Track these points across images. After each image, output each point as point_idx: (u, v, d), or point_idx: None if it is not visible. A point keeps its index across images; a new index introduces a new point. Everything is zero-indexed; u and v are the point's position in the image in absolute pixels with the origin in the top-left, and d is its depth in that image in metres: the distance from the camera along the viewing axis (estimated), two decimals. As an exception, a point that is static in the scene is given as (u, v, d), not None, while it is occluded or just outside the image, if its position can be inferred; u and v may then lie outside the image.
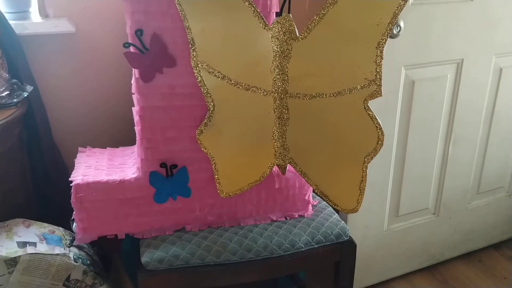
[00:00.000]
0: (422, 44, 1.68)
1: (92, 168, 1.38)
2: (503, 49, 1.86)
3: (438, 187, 1.98)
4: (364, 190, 1.28)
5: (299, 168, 1.35)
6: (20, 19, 1.57)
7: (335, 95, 1.23)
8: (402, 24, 1.56)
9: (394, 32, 1.56)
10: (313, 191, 1.41)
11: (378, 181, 1.82)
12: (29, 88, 1.49)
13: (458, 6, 1.69)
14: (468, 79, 1.82)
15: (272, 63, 1.24)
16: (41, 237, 1.35)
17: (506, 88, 1.94)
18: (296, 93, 1.27)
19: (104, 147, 1.55)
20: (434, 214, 2.04)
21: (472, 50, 1.79)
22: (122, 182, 1.31)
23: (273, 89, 1.27)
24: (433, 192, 1.99)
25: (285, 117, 1.30)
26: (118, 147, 1.55)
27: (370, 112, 1.21)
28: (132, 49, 1.22)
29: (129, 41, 1.22)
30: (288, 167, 1.38)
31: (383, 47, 1.14)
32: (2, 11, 1.48)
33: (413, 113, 1.77)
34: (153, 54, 1.23)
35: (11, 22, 1.51)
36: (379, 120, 1.20)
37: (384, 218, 1.91)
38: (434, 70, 1.75)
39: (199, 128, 1.31)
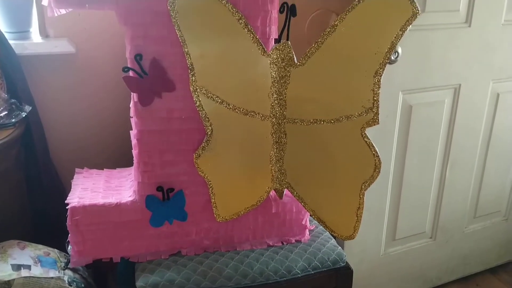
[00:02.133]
0: (420, 69, 1.69)
1: (89, 190, 1.38)
2: (500, 74, 1.87)
3: (435, 211, 1.98)
4: (361, 217, 1.28)
5: (296, 193, 1.35)
6: (20, 39, 1.57)
7: (332, 121, 1.23)
8: (400, 50, 1.57)
9: (392, 58, 1.57)
10: (310, 216, 1.41)
11: (375, 204, 1.82)
12: (28, 108, 1.49)
13: (456, 32, 1.70)
14: (466, 104, 1.83)
15: (271, 88, 1.25)
16: (36, 259, 1.34)
17: (503, 113, 1.95)
18: (294, 119, 1.27)
19: (102, 168, 1.55)
20: (431, 238, 2.04)
21: (470, 75, 1.80)
22: (118, 205, 1.31)
23: (271, 114, 1.28)
24: (430, 216, 1.99)
25: (283, 141, 1.30)
26: (115, 168, 1.55)
27: (367, 140, 1.21)
28: (131, 73, 1.23)
29: (129, 65, 1.22)
30: (285, 191, 1.37)
31: (380, 76, 1.15)
32: (2, 31, 1.49)
33: (410, 137, 1.77)
34: (152, 79, 1.23)
35: (11, 42, 1.52)
36: (376, 148, 1.20)
37: (381, 242, 1.91)
38: (431, 95, 1.76)
39: (197, 151, 1.31)
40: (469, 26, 1.71)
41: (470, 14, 1.69)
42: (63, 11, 1.18)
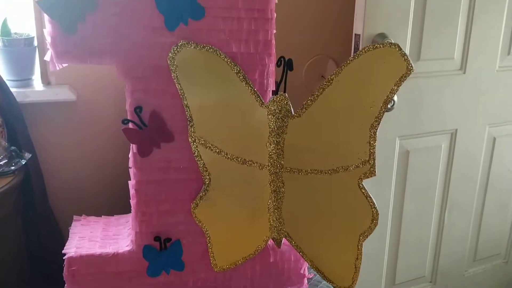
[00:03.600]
0: (416, 115, 1.71)
1: (86, 239, 1.37)
2: (496, 119, 1.89)
3: (434, 255, 1.97)
4: (359, 267, 1.27)
5: (295, 243, 1.35)
6: (22, 86, 1.60)
7: (329, 172, 1.24)
8: (396, 98, 1.60)
9: (389, 106, 1.59)
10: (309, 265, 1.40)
11: (375, 249, 1.81)
12: (28, 155, 1.50)
13: (451, 78, 1.73)
14: (462, 148, 1.85)
15: (268, 138, 1.27)
16: (31, 310, 1.32)
17: (500, 157, 1.96)
18: (292, 168, 1.28)
19: (100, 214, 1.55)
20: (431, 282, 2.02)
21: (466, 120, 1.82)
22: (115, 256, 1.30)
23: (269, 163, 1.29)
24: (430, 260, 1.98)
25: (281, 191, 1.31)
26: (113, 214, 1.55)
27: (364, 191, 1.22)
28: (131, 125, 1.24)
29: (128, 117, 1.24)
30: (284, 240, 1.37)
31: (376, 129, 1.16)
32: (4, 79, 1.52)
33: (408, 182, 1.78)
34: (151, 130, 1.25)
35: (13, 89, 1.55)
36: (373, 199, 1.21)
37: (380, 287, 1.89)
38: (428, 140, 1.78)
39: (194, 201, 1.31)
40: (464, 73, 1.74)
41: (465, 62, 1.73)
42: (65, 65, 1.21)
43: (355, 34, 1.55)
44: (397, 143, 1.71)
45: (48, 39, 1.16)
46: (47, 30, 1.16)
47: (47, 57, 1.19)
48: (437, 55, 1.67)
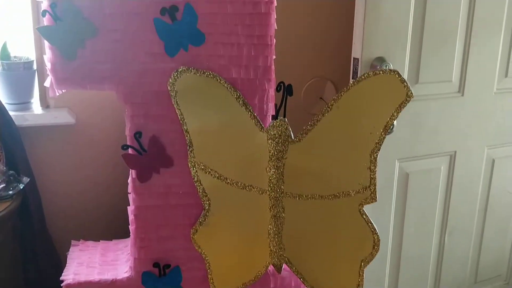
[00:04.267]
0: (415, 137, 1.71)
1: (84, 265, 1.36)
2: (495, 140, 1.89)
3: (435, 278, 1.95)
4: (361, 294, 1.26)
5: (295, 268, 1.34)
6: (21, 110, 1.60)
7: (330, 197, 1.24)
8: (395, 121, 1.59)
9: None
10: (309, 290, 1.39)
11: (375, 271, 1.79)
12: (26, 179, 1.49)
13: (450, 101, 1.74)
14: (462, 170, 1.84)
15: (268, 163, 1.26)
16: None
17: (499, 179, 1.95)
18: (292, 193, 1.28)
19: (98, 239, 1.54)
20: (432, 304, 2.00)
21: (465, 142, 1.82)
22: (114, 282, 1.29)
23: (269, 188, 1.28)
24: (431, 283, 1.95)
25: (281, 216, 1.30)
26: (111, 238, 1.54)
27: (365, 217, 1.21)
28: (130, 150, 1.24)
29: (128, 142, 1.24)
30: (284, 266, 1.36)
31: (376, 155, 1.16)
32: (3, 102, 1.52)
33: (408, 205, 1.77)
34: (151, 155, 1.24)
35: (12, 113, 1.54)
36: (375, 225, 1.20)
37: (381, 310, 1.87)
38: (427, 162, 1.77)
39: (194, 227, 1.30)
40: (462, 95, 1.74)
41: (463, 84, 1.73)
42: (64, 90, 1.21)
43: (353, 58, 1.55)
44: (397, 165, 1.71)
45: (48, 65, 1.16)
46: (47, 56, 1.16)
47: (47, 83, 1.19)
48: (435, 78, 1.67)
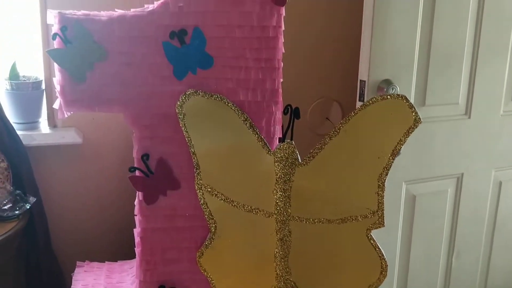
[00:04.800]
0: (422, 159, 1.70)
1: (90, 286, 1.35)
2: (502, 163, 1.88)
3: (443, 301, 1.93)
4: (368, 321, 1.25)
5: (301, 292, 1.33)
6: (28, 129, 1.61)
7: (338, 222, 1.23)
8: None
9: (395, 153, 1.59)
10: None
11: (381, 295, 1.78)
12: (32, 199, 1.49)
13: (456, 123, 1.73)
14: (469, 192, 1.83)
15: (275, 186, 1.26)
16: None
17: (507, 201, 1.94)
18: (299, 217, 1.27)
19: (103, 259, 1.53)
20: (439, 328, 1.97)
21: (472, 164, 1.81)
22: (119, 305, 1.28)
23: (275, 211, 1.28)
24: (438, 307, 1.93)
25: (287, 239, 1.29)
26: (117, 259, 1.53)
27: (373, 242, 1.21)
28: (137, 172, 1.24)
29: (135, 165, 1.24)
30: (290, 289, 1.35)
31: (384, 179, 1.16)
32: (11, 121, 1.53)
33: (415, 227, 1.76)
34: (158, 178, 1.24)
35: (19, 132, 1.55)
36: (382, 250, 1.19)
37: (388, 335, 1.84)
38: (434, 184, 1.76)
39: (200, 250, 1.30)
40: (469, 117, 1.74)
41: (470, 107, 1.73)
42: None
43: (360, 80, 1.56)
44: (404, 188, 1.70)
45: (57, 88, 1.17)
46: (56, 78, 1.17)
47: (55, 105, 1.19)
48: (442, 101, 1.68)
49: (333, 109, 1.95)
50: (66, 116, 1.20)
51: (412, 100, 1.62)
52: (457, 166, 1.80)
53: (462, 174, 1.82)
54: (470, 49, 1.68)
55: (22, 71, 1.63)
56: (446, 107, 1.70)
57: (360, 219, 1.20)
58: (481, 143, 1.81)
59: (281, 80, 1.28)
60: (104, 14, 1.16)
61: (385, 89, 1.51)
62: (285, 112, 1.26)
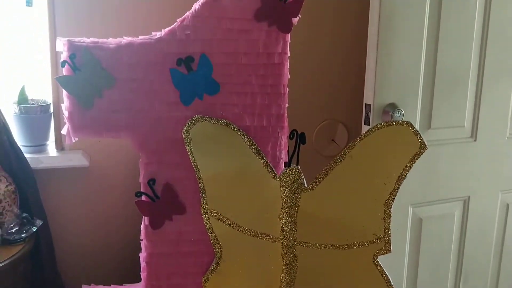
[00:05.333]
0: (428, 182, 1.70)
1: (95, 311, 1.35)
2: (508, 185, 1.87)
3: (450, 326, 1.91)
4: None
5: (307, 318, 1.32)
6: (36, 152, 1.62)
7: (344, 247, 1.23)
8: (408, 167, 1.59)
9: (400, 176, 1.59)
10: None
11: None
12: (39, 222, 1.50)
13: (462, 146, 1.73)
14: (476, 215, 1.82)
15: (281, 211, 1.26)
16: None
17: (514, 223, 1.93)
18: (305, 242, 1.27)
19: (108, 282, 1.53)
20: None
21: (478, 187, 1.80)
22: (124, 330, 1.28)
23: (281, 236, 1.27)
24: (446, 332, 1.91)
25: (293, 264, 1.29)
26: (122, 284, 1.52)
27: (379, 268, 1.20)
28: (143, 197, 1.25)
29: (142, 189, 1.24)
30: (296, 315, 1.34)
31: (391, 205, 1.16)
32: (19, 144, 1.54)
33: (422, 250, 1.75)
34: (164, 202, 1.25)
35: (27, 155, 1.56)
36: (389, 276, 1.19)
37: None
38: (441, 207, 1.76)
39: (205, 275, 1.29)
40: (475, 140, 1.74)
41: (475, 129, 1.73)
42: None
43: (365, 104, 1.56)
44: (410, 211, 1.70)
45: (65, 114, 1.18)
46: (65, 104, 1.19)
47: (63, 131, 1.21)
48: (447, 124, 1.68)
49: (339, 131, 1.95)
50: (73, 141, 1.21)
51: (417, 123, 1.64)
52: (464, 188, 1.79)
53: (469, 197, 1.81)
54: (475, 72, 1.68)
55: (30, 94, 1.65)
56: (452, 130, 1.70)
57: (366, 245, 1.19)
58: (488, 165, 1.80)
59: (287, 105, 1.29)
60: (112, 42, 1.18)
61: (391, 113, 1.52)
62: (290, 137, 1.26)
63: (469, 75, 1.68)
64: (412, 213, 1.71)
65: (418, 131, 1.11)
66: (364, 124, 1.56)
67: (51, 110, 1.64)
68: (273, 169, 1.25)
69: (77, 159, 1.61)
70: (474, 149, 1.76)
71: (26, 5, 1.55)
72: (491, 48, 1.66)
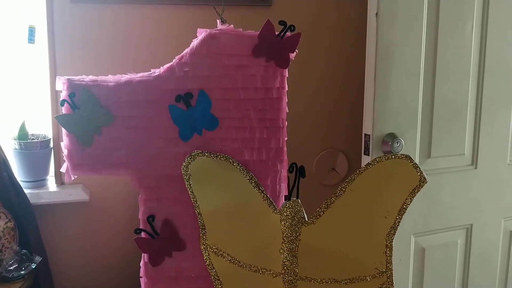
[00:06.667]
0: (430, 211, 1.69)
1: None
2: (511, 212, 1.86)
3: None
4: None
5: None
6: (36, 187, 1.61)
7: (345, 282, 1.21)
8: (409, 197, 1.58)
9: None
10: None
11: None
12: (38, 259, 1.48)
13: (463, 174, 1.73)
14: (479, 243, 1.80)
15: (282, 245, 1.25)
16: None
17: (518, 250, 1.91)
18: (306, 276, 1.25)
19: (109, 319, 1.51)
20: None
21: (481, 215, 1.79)
22: None
23: (282, 271, 1.26)
24: None
25: (295, 299, 1.27)
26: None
27: (382, 302, 1.18)
28: (143, 233, 1.24)
29: (141, 226, 1.24)
30: None
31: (392, 239, 1.15)
32: (18, 180, 1.54)
33: (425, 280, 1.72)
34: (163, 239, 1.24)
35: (27, 191, 1.56)
36: (392, 312, 1.17)
37: None
38: (444, 236, 1.74)
39: (207, 312, 1.28)
40: (475, 168, 1.74)
41: (476, 157, 1.73)
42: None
43: (364, 134, 1.57)
44: (412, 240, 1.68)
45: (65, 152, 1.18)
46: (64, 142, 1.19)
47: (63, 169, 1.21)
48: (447, 152, 1.68)
49: (339, 160, 1.95)
50: (73, 179, 1.21)
51: (417, 153, 1.64)
52: (466, 217, 1.78)
53: (472, 225, 1.80)
54: (474, 101, 1.69)
55: (30, 129, 1.65)
56: (452, 158, 1.70)
57: (368, 279, 1.18)
58: (489, 193, 1.80)
59: (286, 138, 1.29)
60: (111, 79, 1.19)
61: (390, 143, 1.52)
62: (290, 170, 1.26)
63: (468, 104, 1.68)
64: (415, 243, 1.70)
65: (417, 165, 1.11)
66: (364, 154, 1.56)
67: (51, 145, 1.64)
68: (273, 203, 1.25)
69: (77, 194, 1.60)
70: (475, 177, 1.76)
71: (28, 42, 1.57)
72: (489, 77, 1.67)
